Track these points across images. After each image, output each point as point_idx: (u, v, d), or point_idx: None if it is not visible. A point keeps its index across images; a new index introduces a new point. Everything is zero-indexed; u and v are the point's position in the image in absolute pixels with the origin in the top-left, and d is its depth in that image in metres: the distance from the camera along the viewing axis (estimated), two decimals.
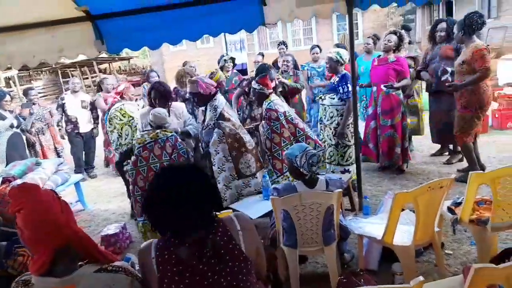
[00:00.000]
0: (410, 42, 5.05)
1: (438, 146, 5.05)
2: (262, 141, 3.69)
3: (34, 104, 5.52)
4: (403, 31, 4.45)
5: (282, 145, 3.38)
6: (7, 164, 4.50)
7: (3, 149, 4.90)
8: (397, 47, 4.37)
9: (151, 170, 3.05)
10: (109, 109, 4.84)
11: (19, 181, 3.68)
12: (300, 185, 2.40)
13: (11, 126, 4.97)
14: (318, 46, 6.55)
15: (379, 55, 4.91)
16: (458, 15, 12.00)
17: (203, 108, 3.46)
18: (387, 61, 4.40)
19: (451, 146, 4.87)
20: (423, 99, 5.18)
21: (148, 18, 3.30)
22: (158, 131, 3.16)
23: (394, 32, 4.40)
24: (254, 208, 2.90)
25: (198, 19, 3.36)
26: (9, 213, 1.30)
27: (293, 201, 2.29)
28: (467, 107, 3.88)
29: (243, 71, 13.00)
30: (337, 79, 4.00)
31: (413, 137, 5.28)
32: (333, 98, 3.99)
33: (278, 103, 3.53)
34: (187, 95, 3.82)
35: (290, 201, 2.29)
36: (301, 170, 2.38)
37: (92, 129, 5.89)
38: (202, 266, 1.26)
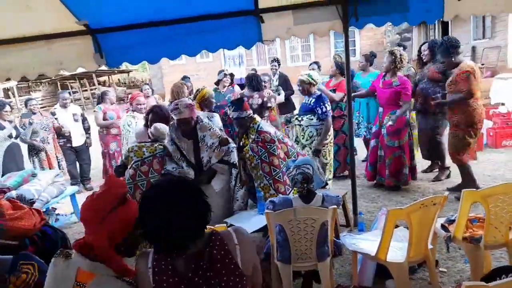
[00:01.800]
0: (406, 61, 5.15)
1: (429, 163, 5.10)
2: (250, 163, 3.43)
3: (34, 113, 5.54)
4: (401, 50, 4.51)
5: (281, 166, 3.29)
6: (3, 175, 4.50)
7: (0, 159, 4.89)
8: (395, 66, 4.40)
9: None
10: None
11: (13, 193, 3.67)
12: (296, 200, 2.41)
13: (10, 136, 4.98)
14: (316, 63, 6.67)
15: (377, 74, 5.00)
16: (453, 35, 12.23)
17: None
18: (391, 84, 4.44)
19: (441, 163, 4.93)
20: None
21: (148, 33, 3.35)
22: (156, 144, 3.18)
23: (391, 52, 4.47)
24: (249, 222, 2.89)
25: (197, 35, 3.42)
26: None
27: (287, 216, 2.30)
28: (458, 125, 3.96)
29: (241, 86, 13.10)
30: (313, 100, 4.09)
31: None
32: (312, 119, 4.07)
33: (265, 124, 3.48)
34: None
35: (285, 215, 2.30)
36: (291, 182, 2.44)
37: (85, 140, 5.89)
38: (198, 279, 1.26)
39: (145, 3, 3.15)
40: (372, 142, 4.64)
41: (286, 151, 3.37)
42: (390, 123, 4.36)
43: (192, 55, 3.55)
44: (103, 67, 3.83)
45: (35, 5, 2.90)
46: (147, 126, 3.65)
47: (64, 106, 5.83)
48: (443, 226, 2.56)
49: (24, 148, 5.49)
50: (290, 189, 3.19)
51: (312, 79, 4.13)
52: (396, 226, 2.72)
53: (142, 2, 3.14)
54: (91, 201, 1.34)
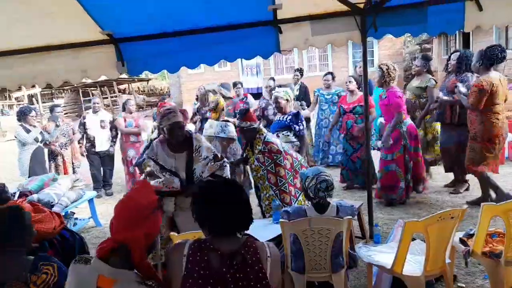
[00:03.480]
0: (429, 72, 5.05)
1: (452, 177, 4.98)
2: (256, 174, 3.46)
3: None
4: (390, 65, 4.43)
5: (287, 177, 3.29)
6: (28, 177, 4.66)
7: (27, 163, 5.08)
8: (385, 81, 4.34)
9: None
10: None
11: (35, 196, 3.77)
12: (310, 210, 2.41)
13: (36, 140, 5.16)
14: (331, 73, 6.67)
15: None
16: (475, 45, 12.03)
17: None
18: (381, 98, 4.48)
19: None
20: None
21: (168, 43, 3.44)
22: None
23: (379, 66, 4.43)
24: (263, 231, 2.89)
25: (216, 45, 3.48)
26: None
27: (302, 226, 2.29)
28: (475, 138, 3.89)
29: (258, 95, 13.20)
30: (289, 117, 4.11)
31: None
32: (288, 135, 4.07)
33: (270, 135, 3.50)
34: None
35: (299, 225, 2.29)
36: (308, 192, 2.40)
37: (109, 148, 6.03)
38: (228, 276, 1.32)
39: (167, 14, 3.23)
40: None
41: (291, 162, 3.38)
42: (382, 145, 4.39)
43: (211, 64, 3.62)
44: (124, 75, 3.93)
45: (60, 14, 3.01)
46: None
47: (95, 111, 6.02)
48: (461, 240, 2.50)
49: (46, 152, 5.66)
50: (295, 200, 3.19)
51: (289, 96, 4.23)
52: (413, 239, 2.68)
53: (164, 13, 3.22)
54: (134, 199, 1.37)
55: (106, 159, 6.03)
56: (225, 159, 3.28)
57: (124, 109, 6.03)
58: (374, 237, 3.49)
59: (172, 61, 3.54)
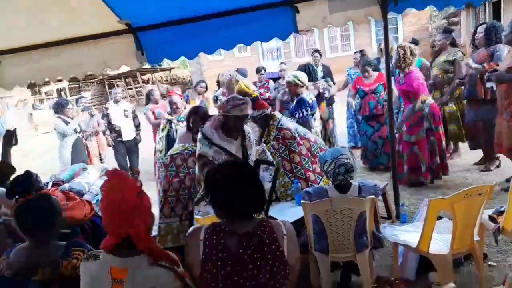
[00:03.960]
0: (453, 45, 4.84)
1: (481, 154, 4.79)
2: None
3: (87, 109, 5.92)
4: (412, 45, 4.25)
5: (303, 163, 3.23)
6: None
7: (68, 153, 5.28)
8: (403, 61, 4.14)
9: (189, 174, 3.19)
10: None
11: (67, 185, 3.92)
12: (332, 190, 2.39)
13: (75, 131, 5.36)
14: (361, 51, 6.51)
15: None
16: (507, 16, 11.38)
17: None
18: (399, 82, 4.32)
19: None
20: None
21: (185, 29, 3.44)
22: (188, 145, 3.34)
23: (397, 49, 4.22)
24: (287, 213, 2.90)
25: (233, 29, 3.45)
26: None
27: (324, 206, 2.28)
28: None
29: (279, 78, 13.11)
30: (293, 104, 4.05)
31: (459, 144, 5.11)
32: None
33: (285, 120, 3.43)
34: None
35: (321, 206, 2.29)
36: (328, 176, 2.39)
37: (135, 136, 6.17)
38: (246, 258, 1.34)
39: (183, 0, 3.23)
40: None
41: (308, 147, 3.31)
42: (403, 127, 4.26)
43: (229, 48, 3.60)
44: (147, 66, 3.99)
45: (80, 7, 3.06)
46: (189, 129, 3.58)
47: (116, 101, 6.14)
48: (491, 218, 2.43)
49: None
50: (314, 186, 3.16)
51: (299, 80, 4.11)
52: (440, 218, 2.63)
53: (179, 1, 3.22)
54: (115, 195, 1.33)
55: (132, 147, 6.17)
56: (263, 144, 3.32)
57: (149, 100, 6.09)
58: (400, 217, 3.44)
59: (190, 47, 3.54)
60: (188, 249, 1.41)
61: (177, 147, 3.46)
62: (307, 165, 3.23)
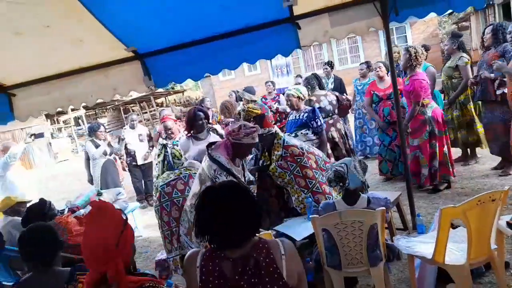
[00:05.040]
0: (461, 49, 4.79)
1: (499, 159, 4.66)
2: (282, 180, 3.27)
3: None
4: (419, 48, 4.25)
5: (316, 176, 3.19)
6: (101, 189, 5.01)
7: (98, 175, 5.49)
8: (412, 63, 4.17)
9: (174, 204, 3.12)
10: None
11: (82, 211, 4.00)
12: (339, 203, 2.37)
13: (105, 154, 5.55)
14: (366, 63, 6.53)
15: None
16: None
17: None
18: (403, 84, 4.30)
19: None
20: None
21: (190, 52, 3.52)
22: (182, 169, 3.32)
23: (406, 49, 4.26)
24: (298, 229, 2.87)
25: (236, 48, 3.51)
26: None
27: (333, 220, 2.25)
28: None
29: None
30: (305, 114, 4.03)
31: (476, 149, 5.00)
32: (307, 133, 3.98)
33: (288, 138, 3.42)
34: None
35: (330, 219, 2.25)
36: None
37: (148, 156, 6.26)
38: (243, 283, 1.30)
39: (186, 24, 3.30)
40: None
41: (315, 161, 3.28)
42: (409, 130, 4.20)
43: (233, 68, 3.66)
44: (160, 89, 4.05)
45: (88, 39, 3.18)
46: (190, 132, 3.74)
47: (132, 127, 6.31)
48: (509, 224, 2.34)
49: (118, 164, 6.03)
50: (331, 197, 3.12)
51: (301, 93, 4.16)
52: (456, 227, 2.55)
53: (183, 24, 3.29)
54: (99, 229, 1.28)
55: (147, 171, 6.27)
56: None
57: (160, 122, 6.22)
58: (417, 227, 3.35)
59: (195, 69, 3.61)
60: (186, 276, 1.39)
61: (167, 174, 3.45)
62: (320, 178, 3.20)
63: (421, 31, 16.53)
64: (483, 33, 4.45)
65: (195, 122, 3.74)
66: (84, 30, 3.05)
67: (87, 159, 5.70)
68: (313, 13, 3.40)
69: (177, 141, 4.54)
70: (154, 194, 3.30)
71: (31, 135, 4.91)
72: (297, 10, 3.35)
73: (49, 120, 19.07)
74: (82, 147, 6.13)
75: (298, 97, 4.16)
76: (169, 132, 4.75)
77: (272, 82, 6.73)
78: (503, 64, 3.64)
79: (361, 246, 2.27)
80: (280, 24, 3.44)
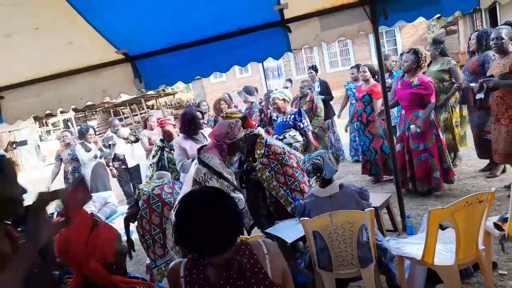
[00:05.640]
0: (443, 54, 4.89)
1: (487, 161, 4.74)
2: (261, 175, 3.28)
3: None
4: (424, 51, 4.32)
5: (296, 175, 3.24)
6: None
7: (88, 179, 5.43)
8: (418, 65, 4.20)
9: (166, 204, 3.08)
10: None
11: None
12: (316, 189, 2.61)
13: (95, 157, 5.51)
14: (357, 66, 6.57)
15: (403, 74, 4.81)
16: (503, 21, 11.44)
17: None
18: (410, 84, 4.23)
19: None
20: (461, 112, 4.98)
21: (181, 55, 3.52)
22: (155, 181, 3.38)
23: (409, 51, 4.30)
24: (290, 231, 2.89)
25: (227, 51, 3.52)
26: None
27: (323, 221, 2.26)
28: None
29: None
30: (292, 116, 4.11)
31: (462, 151, 5.08)
32: (295, 135, 4.05)
33: (270, 138, 3.51)
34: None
35: (320, 221, 2.27)
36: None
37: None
38: (228, 287, 1.29)
39: (177, 27, 3.31)
40: (397, 147, 4.38)
41: (296, 162, 3.34)
42: (417, 130, 4.09)
43: (224, 71, 3.66)
44: (151, 92, 4.00)
45: (78, 41, 3.15)
46: (185, 133, 3.78)
47: (115, 132, 6.22)
48: (496, 225, 2.38)
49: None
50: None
51: (286, 95, 4.26)
52: (445, 228, 2.58)
53: (174, 27, 3.30)
54: (67, 234, 1.29)
55: (134, 174, 6.22)
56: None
57: (145, 127, 6.15)
58: (407, 229, 3.40)
59: (186, 72, 3.61)
60: (171, 286, 1.37)
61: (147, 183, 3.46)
62: (300, 177, 3.25)
63: (410, 34, 16.76)
64: (469, 39, 4.55)
65: (193, 124, 3.73)
66: (75, 32, 3.03)
67: (61, 162, 5.64)
68: (303, 17, 3.43)
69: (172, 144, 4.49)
70: (138, 197, 3.20)
71: (12, 143, 4.84)
72: (288, 14, 3.38)
73: (37, 123, 18.83)
74: (58, 155, 5.97)
75: (284, 100, 4.23)
76: (167, 137, 4.49)
77: (256, 89, 6.76)
78: (497, 80, 3.67)
79: (351, 247, 2.29)
80: (271, 27, 3.46)
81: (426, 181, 4.25)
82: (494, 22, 12.57)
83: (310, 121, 4.57)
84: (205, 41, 3.47)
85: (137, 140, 6.08)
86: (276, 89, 5.40)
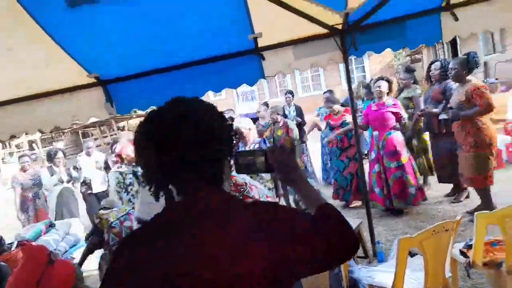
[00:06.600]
0: (414, 82, 5.16)
1: (451, 186, 4.93)
2: None
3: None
4: (390, 77, 4.64)
5: None
6: (56, 219, 4.68)
7: (53, 204, 5.20)
8: (390, 91, 4.52)
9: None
10: None
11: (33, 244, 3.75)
12: None
13: (61, 181, 5.24)
14: (330, 91, 6.76)
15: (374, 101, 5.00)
16: (463, 51, 12.17)
17: None
18: (384, 104, 4.51)
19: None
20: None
21: (154, 80, 3.50)
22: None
23: (382, 78, 4.58)
24: None
25: (201, 77, 3.54)
26: None
27: None
28: (479, 146, 3.80)
29: (255, 119, 13.31)
30: (256, 145, 4.16)
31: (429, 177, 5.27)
32: None
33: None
34: None
35: None
36: None
37: (107, 187, 6.02)
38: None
39: (151, 52, 3.30)
40: (375, 168, 4.58)
41: (258, 193, 3.31)
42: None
43: (199, 96, 3.66)
44: None
45: (50, 64, 3.08)
46: None
47: (88, 154, 6.06)
48: (461, 252, 2.46)
49: (77, 192, 5.76)
50: None
51: (247, 123, 4.25)
52: (414, 255, 2.63)
53: (148, 52, 3.29)
54: (19, 273, 1.26)
55: (102, 199, 6.00)
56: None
57: (112, 150, 5.98)
58: (377, 255, 3.44)
59: (159, 96, 3.55)
60: None
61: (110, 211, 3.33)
62: None
63: (378, 61, 17.48)
64: (429, 68, 4.80)
65: None
66: (46, 55, 2.97)
67: (21, 188, 5.32)
68: (277, 45, 3.51)
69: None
70: (105, 230, 3.01)
71: None
72: (262, 42, 3.45)
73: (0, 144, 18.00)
74: (15, 180, 5.48)
75: (249, 129, 4.15)
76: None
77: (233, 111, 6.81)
78: (456, 112, 3.92)
79: (325, 277, 2.29)
80: (246, 54, 3.52)
81: (402, 197, 4.41)
82: (455, 53, 13.35)
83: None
84: (180, 66, 3.48)
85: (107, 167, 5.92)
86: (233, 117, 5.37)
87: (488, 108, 3.74)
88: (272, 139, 5.32)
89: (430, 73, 4.71)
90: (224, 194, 1.02)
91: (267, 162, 1.12)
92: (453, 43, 13.71)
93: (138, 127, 1.02)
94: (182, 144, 0.95)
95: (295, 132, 5.51)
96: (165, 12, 2.89)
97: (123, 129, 22.10)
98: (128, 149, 4.23)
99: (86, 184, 5.87)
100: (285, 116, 5.81)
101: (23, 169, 5.52)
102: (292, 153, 2.91)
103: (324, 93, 6.79)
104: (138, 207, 2.64)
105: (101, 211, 3.22)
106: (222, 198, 0.98)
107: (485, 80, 9.35)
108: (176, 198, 0.99)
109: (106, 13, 2.77)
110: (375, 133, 4.61)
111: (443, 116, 4.21)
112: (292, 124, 5.67)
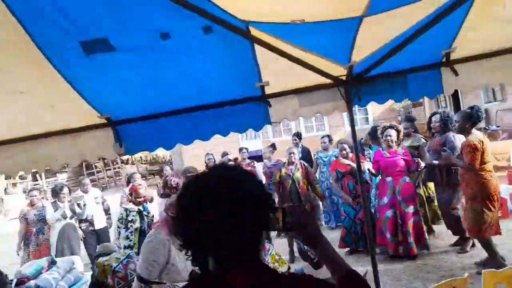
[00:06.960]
0: (415, 131, 5.26)
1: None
2: None
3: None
4: (398, 125, 4.77)
5: None
6: (56, 256, 4.63)
7: (54, 240, 5.17)
8: (398, 139, 4.63)
9: None
10: None
11: (32, 283, 3.69)
12: None
13: (64, 217, 5.18)
14: (328, 136, 6.87)
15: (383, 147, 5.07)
16: (464, 99, 12.40)
17: None
18: (397, 153, 4.69)
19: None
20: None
21: (163, 122, 3.58)
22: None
23: (392, 127, 4.68)
24: None
25: (209, 121, 3.63)
26: None
27: None
28: (475, 198, 3.87)
29: (258, 157, 13.41)
30: None
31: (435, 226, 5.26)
32: None
33: None
34: None
35: None
36: None
37: (106, 221, 6.01)
38: None
39: (161, 96, 3.41)
40: (389, 213, 4.59)
41: None
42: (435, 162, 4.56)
43: (205, 139, 3.74)
44: None
45: (60, 103, 3.18)
46: (165, 196, 3.73)
47: (85, 191, 6.06)
48: None
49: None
50: None
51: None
52: None
53: (158, 96, 3.40)
54: None
55: (102, 236, 5.97)
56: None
57: (128, 184, 6.02)
58: None
59: (167, 139, 3.66)
60: None
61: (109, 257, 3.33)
62: None
63: (380, 106, 17.77)
64: (430, 119, 4.92)
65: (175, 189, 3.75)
66: (58, 95, 3.07)
67: (27, 223, 5.29)
68: (283, 93, 3.63)
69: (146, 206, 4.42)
70: (108, 276, 2.98)
71: None
72: (268, 90, 3.57)
73: (3, 175, 18.04)
74: (23, 215, 5.41)
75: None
76: (141, 200, 4.43)
77: (247, 149, 6.89)
78: (448, 155, 4.08)
79: None
80: (252, 101, 3.63)
81: (419, 243, 4.50)
82: (456, 100, 13.56)
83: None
84: (189, 110, 3.58)
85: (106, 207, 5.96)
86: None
87: (471, 167, 3.85)
88: (277, 182, 5.25)
89: (431, 124, 4.82)
90: (268, 268, 1.01)
91: (284, 221, 1.05)
92: (455, 92, 13.98)
93: (183, 189, 1.04)
94: (222, 211, 0.93)
95: (315, 177, 5.49)
96: (178, 60, 3.02)
97: (126, 162, 22.24)
98: (142, 189, 4.25)
99: (87, 221, 5.84)
100: None
101: (32, 204, 5.52)
102: (312, 213, 2.84)
103: (322, 137, 6.86)
104: (140, 264, 2.61)
105: (100, 260, 3.18)
106: (270, 273, 0.97)
107: (487, 128, 9.49)
108: (210, 266, 0.97)
109: (122, 60, 2.91)
110: (389, 179, 4.67)
111: (434, 162, 4.39)
112: (309, 167, 5.64)
